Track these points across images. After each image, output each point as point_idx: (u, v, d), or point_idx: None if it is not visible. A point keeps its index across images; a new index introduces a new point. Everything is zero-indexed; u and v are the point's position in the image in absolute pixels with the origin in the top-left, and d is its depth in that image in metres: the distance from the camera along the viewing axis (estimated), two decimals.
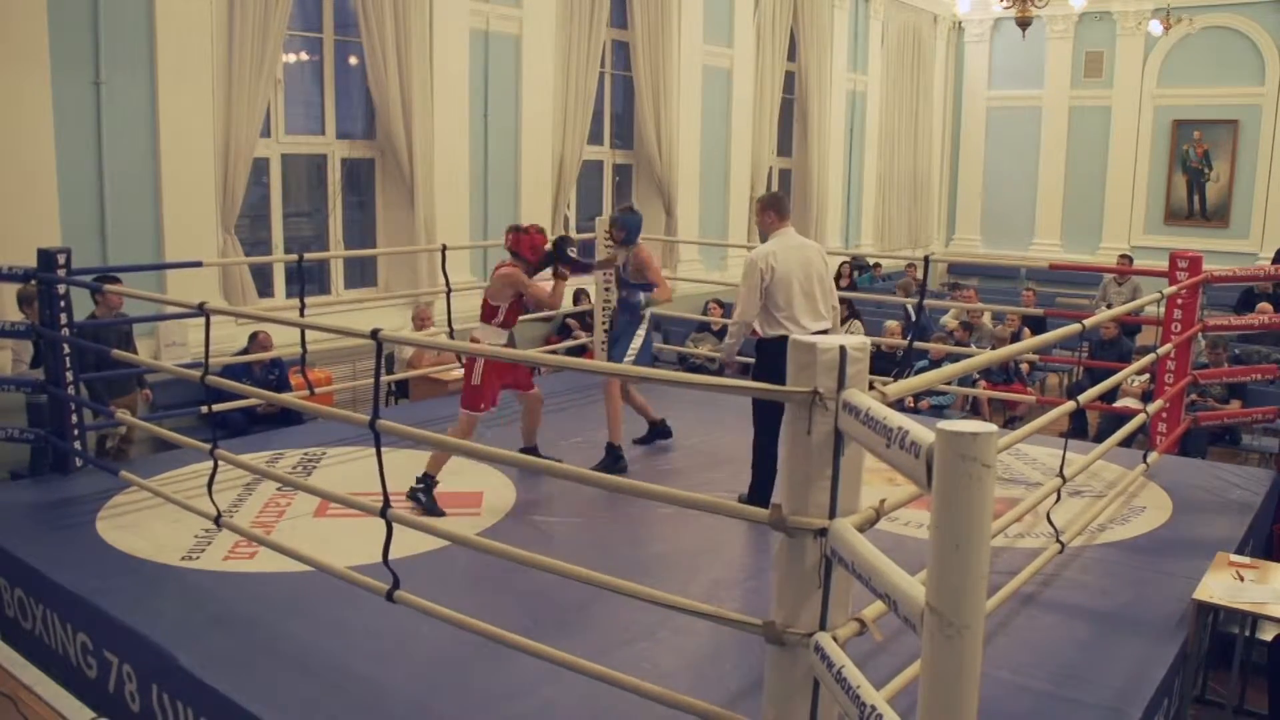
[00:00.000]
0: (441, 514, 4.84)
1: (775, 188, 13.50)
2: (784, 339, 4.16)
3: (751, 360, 5.08)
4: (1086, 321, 4.24)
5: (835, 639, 2.26)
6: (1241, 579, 3.91)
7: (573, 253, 5.73)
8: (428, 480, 4.92)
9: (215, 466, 4.22)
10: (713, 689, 3.17)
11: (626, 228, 5.85)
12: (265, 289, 7.94)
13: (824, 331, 4.70)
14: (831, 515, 2.27)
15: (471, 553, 3.43)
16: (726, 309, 9.93)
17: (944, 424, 1.68)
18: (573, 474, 3.31)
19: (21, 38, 6.20)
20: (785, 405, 2.33)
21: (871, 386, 2.30)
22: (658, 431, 6.28)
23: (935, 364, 8.40)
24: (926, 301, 7.44)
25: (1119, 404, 7.60)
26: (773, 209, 4.86)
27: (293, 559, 3.81)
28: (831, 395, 2.23)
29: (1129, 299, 10.64)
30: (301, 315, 6.22)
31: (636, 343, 5.84)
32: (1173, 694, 3.64)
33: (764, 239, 5.09)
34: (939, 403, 8.56)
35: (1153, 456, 5.53)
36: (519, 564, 3.14)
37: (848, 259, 13.00)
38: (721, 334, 9.51)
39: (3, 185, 6.15)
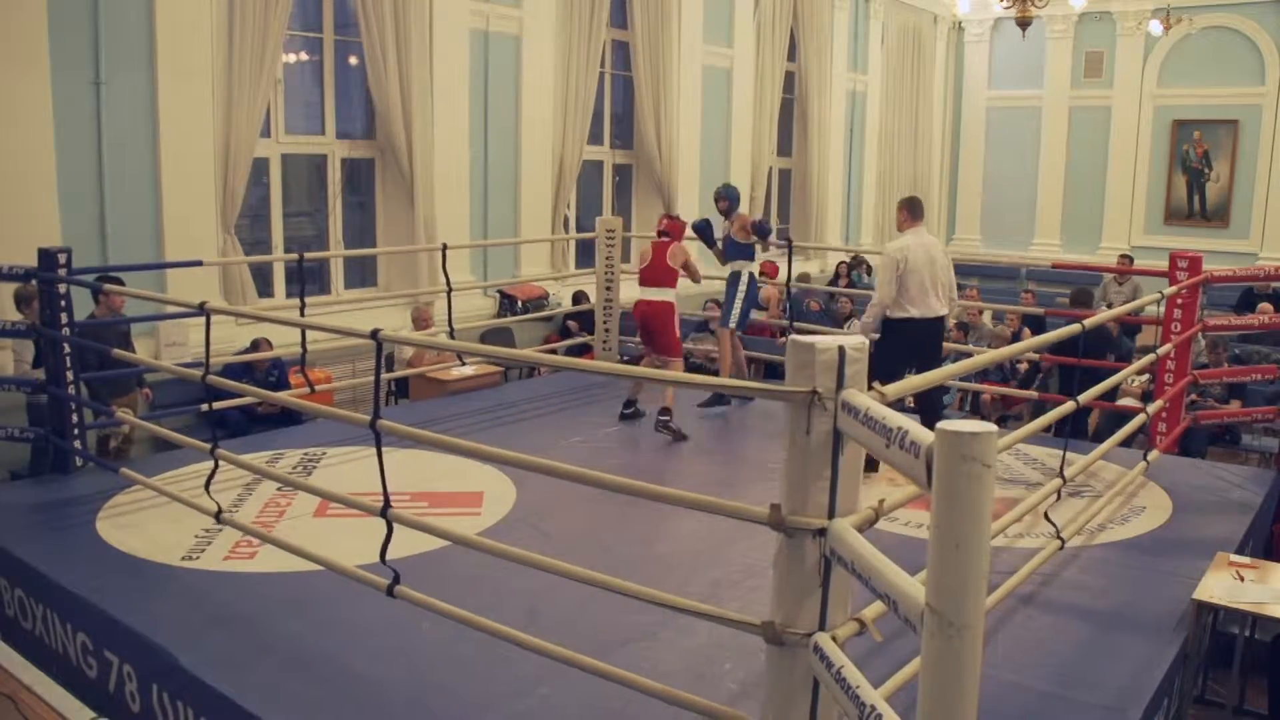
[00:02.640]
0: (685, 437, 6.21)
1: (775, 188, 13.52)
2: (907, 320, 5.38)
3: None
4: (1086, 322, 4.23)
5: (835, 639, 2.26)
6: (1241, 579, 3.91)
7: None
8: (669, 413, 6.22)
9: (215, 465, 4.22)
10: (712, 689, 3.17)
11: (729, 198, 6.99)
12: (265, 289, 7.95)
13: (944, 318, 5.64)
14: (831, 515, 2.26)
15: (471, 553, 3.43)
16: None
17: (944, 424, 1.68)
18: (573, 473, 3.30)
19: (21, 38, 6.20)
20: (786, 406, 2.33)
21: (870, 386, 2.30)
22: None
23: None
24: None
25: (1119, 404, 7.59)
26: (904, 209, 5.78)
27: (293, 554, 3.81)
28: (830, 395, 2.23)
29: (1129, 299, 10.63)
30: (302, 315, 6.22)
31: (737, 307, 6.86)
32: (1173, 694, 3.64)
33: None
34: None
35: (1153, 456, 5.53)
36: (519, 564, 3.14)
37: (846, 259, 13.00)
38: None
39: (3, 185, 6.15)
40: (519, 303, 9.20)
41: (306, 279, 6.54)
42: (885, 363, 4.99)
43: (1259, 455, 7.88)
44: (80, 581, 4.02)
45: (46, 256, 5.21)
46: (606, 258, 8.10)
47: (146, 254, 6.84)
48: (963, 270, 15.28)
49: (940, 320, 5.60)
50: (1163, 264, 6.38)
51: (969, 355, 6.90)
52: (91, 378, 5.59)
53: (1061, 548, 4.23)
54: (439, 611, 3.25)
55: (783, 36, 12.67)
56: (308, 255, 6.96)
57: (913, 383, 2.63)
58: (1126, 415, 5.98)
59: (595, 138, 10.65)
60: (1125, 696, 3.31)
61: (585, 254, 10.33)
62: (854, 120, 14.68)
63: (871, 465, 5.13)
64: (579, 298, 9.70)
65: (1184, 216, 15.08)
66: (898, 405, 2.29)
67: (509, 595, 3.83)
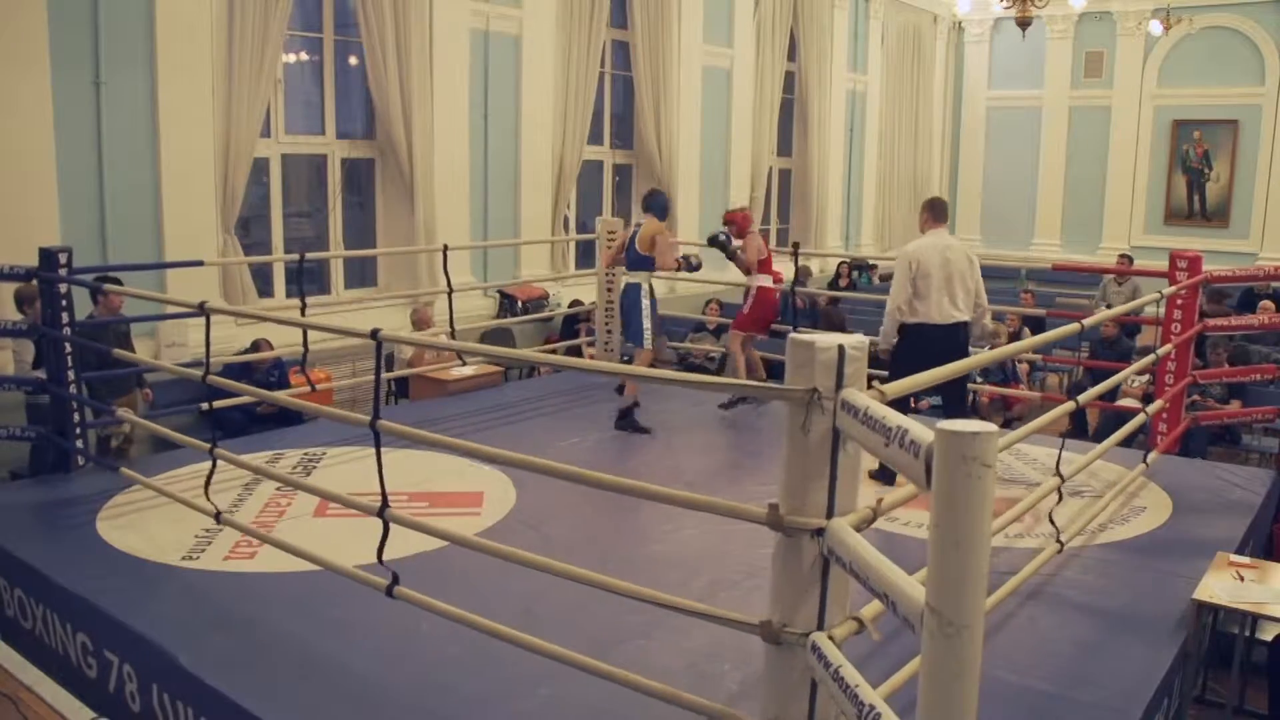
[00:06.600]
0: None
1: (775, 188, 13.52)
2: (922, 326, 5.31)
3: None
4: (1086, 321, 4.23)
5: (833, 638, 2.26)
6: (1241, 579, 3.91)
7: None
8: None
9: (214, 465, 4.21)
10: (711, 689, 3.17)
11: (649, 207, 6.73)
12: (265, 289, 7.94)
13: (964, 323, 5.42)
14: (829, 514, 2.26)
15: (470, 553, 3.43)
16: (725, 309, 9.92)
17: (943, 423, 1.68)
18: (573, 473, 3.30)
19: (21, 38, 6.20)
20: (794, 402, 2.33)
21: (870, 385, 2.29)
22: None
23: None
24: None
25: (1119, 404, 7.59)
26: (926, 210, 5.62)
27: (292, 554, 3.81)
28: (829, 394, 2.23)
29: (1129, 299, 10.63)
30: (302, 315, 6.22)
31: (646, 322, 6.55)
32: (1173, 694, 3.64)
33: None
34: (938, 402, 8.55)
35: (1153, 456, 5.53)
36: (518, 564, 3.14)
37: (846, 260, 13.01)
38: (718, 332, 9.51)
39: (3, 185, 6.15)
40: (519, 303, 9.19)
41: (306, 279, 6.54)
42: (904, 369, 4.91)
43: (1259, 455, 7.88)
44: (80, 581, 4.02)
45: (47, 256, 5.21)
46: None
47: (146, 254, 6.84)
48: None
49: (958, 326, 5.39)
50: (1162, 264, 6.38)
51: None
52: (91, 377, 5.58)
53: (1060, 551, 4.22)
54: (438, 612, 3.25)
55: (783, 36, 12.67)
56: (308, 255, 6.96)
57: (911, 381, 2.63)
58: (1127, 416, 5.97)
59: (595, 138, 10.65)
60: (1125, 696, 3.30)
61: (585, 254, 10.33)
62: (854, 120, 14.68)
63: (889, 477, 5.13)
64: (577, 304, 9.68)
65: (1184, 216, 15.07)
66: (900, 404, 2.29)
67: (508, 595, 3.83)
